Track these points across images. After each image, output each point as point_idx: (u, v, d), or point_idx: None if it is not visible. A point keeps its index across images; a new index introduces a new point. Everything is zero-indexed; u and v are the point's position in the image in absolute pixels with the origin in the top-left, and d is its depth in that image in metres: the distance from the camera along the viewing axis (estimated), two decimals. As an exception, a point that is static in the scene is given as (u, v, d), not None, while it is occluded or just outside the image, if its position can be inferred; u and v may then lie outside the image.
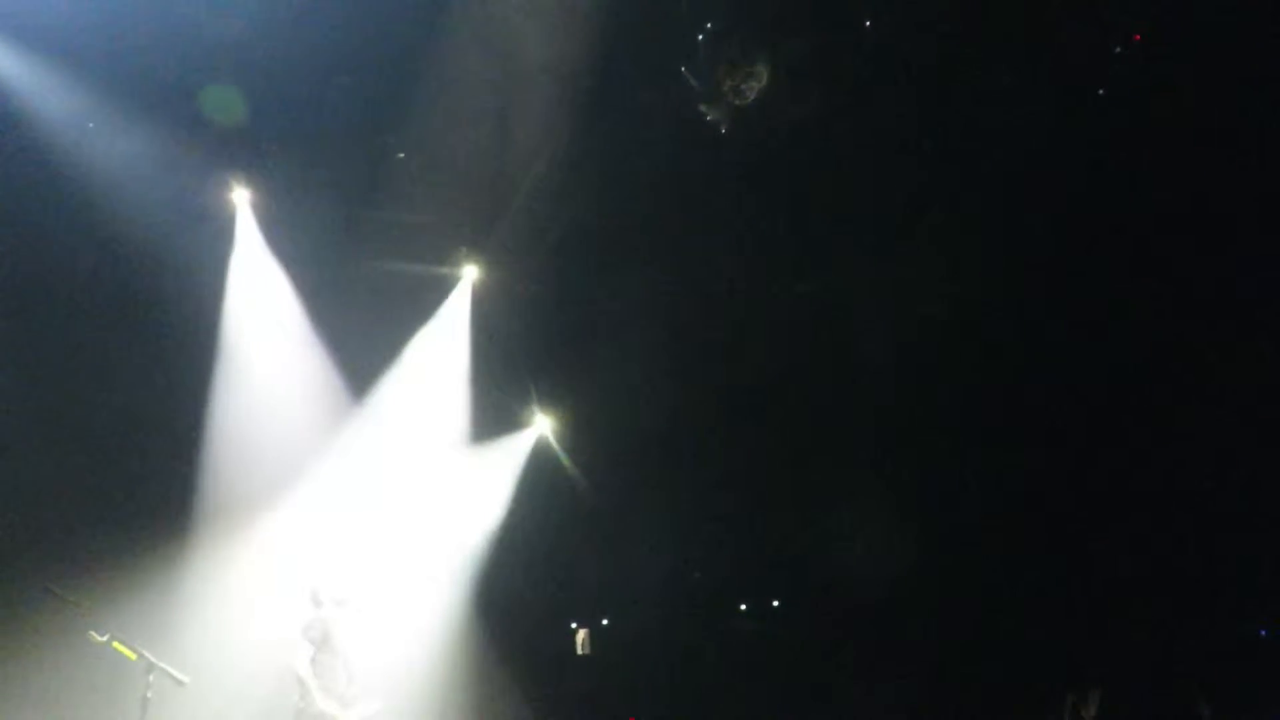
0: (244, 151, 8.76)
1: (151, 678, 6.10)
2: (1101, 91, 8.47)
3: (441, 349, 10.45)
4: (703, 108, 7.94)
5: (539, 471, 11.37)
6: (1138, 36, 8.21)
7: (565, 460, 11.43)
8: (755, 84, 7.72)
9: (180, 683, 6.24)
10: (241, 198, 9.06)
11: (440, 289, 10.37)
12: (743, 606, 13.19)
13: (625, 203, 9.48)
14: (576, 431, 11.45)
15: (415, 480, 10.29)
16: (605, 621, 12.59)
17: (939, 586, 11.17)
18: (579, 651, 12.42)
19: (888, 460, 11.38)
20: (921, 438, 11.13)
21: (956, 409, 10.88)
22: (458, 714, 10.09)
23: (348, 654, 7.57)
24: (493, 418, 10.99)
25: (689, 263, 9.96)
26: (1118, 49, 8.20)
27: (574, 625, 12.40)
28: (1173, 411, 10.06)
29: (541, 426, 11.45)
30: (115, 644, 6.02)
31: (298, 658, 7.33)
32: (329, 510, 9.65)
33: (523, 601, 11.02)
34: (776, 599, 13.20)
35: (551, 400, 11.39)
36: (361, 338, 9.80)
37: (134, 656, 6.09)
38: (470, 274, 10.39)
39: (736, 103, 7.80)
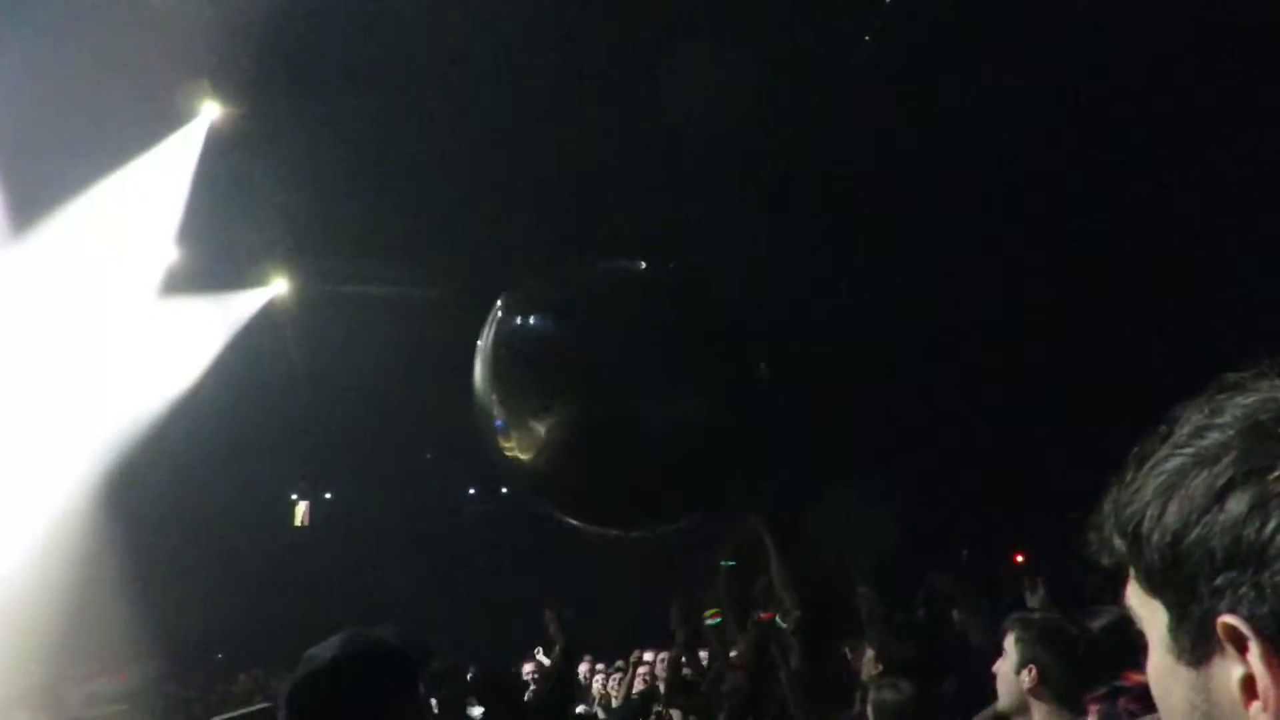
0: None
1: None
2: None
3: (157, 185, 9.12)
4: None
5: (263, 336, 10.40)
6: None
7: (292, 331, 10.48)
8: None
9: None
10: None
11: (171, 121, 9.05)
12: (471, 490, 12.94)
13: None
14: (317, 299, 10.52)
15: (86, 329, 8.84)
16: (328, 496, 12.05)
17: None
18: (297, 523, 11.86)
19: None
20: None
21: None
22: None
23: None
24: (210, 270, 9.84)
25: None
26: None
27: (294, 497, 11.79)
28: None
29: (277, 289, 10.46)
30: None
31: None
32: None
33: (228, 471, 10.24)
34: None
35: (294, 261, 10.36)
36: (54, 162, 8.30)
37: None
38: (209, 111, 9.14)
39: None
